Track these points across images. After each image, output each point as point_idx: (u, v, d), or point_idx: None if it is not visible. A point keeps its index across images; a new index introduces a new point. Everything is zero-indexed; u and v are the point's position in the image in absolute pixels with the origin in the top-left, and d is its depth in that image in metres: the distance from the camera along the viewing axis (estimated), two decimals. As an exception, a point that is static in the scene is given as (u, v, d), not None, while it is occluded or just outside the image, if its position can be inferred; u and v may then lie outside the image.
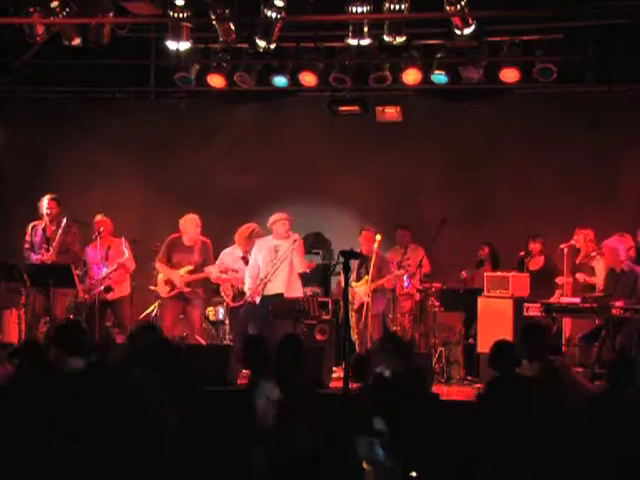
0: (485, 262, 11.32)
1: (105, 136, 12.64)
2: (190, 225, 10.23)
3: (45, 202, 10.20)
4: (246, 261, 10.34)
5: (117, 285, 10.33)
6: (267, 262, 9.85)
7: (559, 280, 10.46)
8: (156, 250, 10.46)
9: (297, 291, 9.89)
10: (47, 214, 10.18)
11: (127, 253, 10.30)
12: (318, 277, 11.63)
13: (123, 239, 10.40)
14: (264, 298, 9.80)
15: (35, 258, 10.07)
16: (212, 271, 10.21)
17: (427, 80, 11.54)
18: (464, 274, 11.30)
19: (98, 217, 10.42)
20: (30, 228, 10.26)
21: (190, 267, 10.16)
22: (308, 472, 4.38)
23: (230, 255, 10.51)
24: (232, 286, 10.41)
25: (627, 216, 11.05)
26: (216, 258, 10.52)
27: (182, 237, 10.24)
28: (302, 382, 6.30)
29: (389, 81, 11.68)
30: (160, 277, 10.32)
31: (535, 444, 4.97)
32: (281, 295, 9.70)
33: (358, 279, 10.31)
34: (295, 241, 9.79)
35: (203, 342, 10.55)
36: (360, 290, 10.26)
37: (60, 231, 10.05)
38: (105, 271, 10.22)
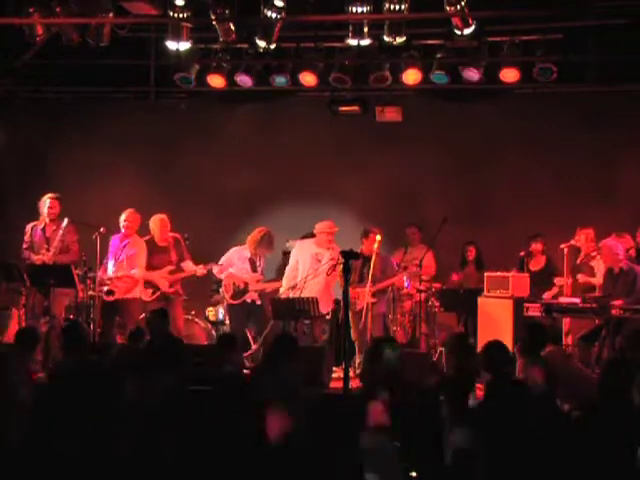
0: (469, 263, 11.32)
1: (105, 136, 12.63)
2: (155, 225, 10.36)
3: (47, 201, 10.18)
4: (252, 263, 10.40)
5: (124, 287, 10.10)
6: (307, 269, 9.98)
7: (557, 281, 10.46)
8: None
9: (327, 305, 10.03)
10: (49, 213, 10.17)
11: (138, 272, 10.10)
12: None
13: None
14: None
15: (36, 258, 10.06)
16: (192, 267, 10.28)
17: (427, 80, 11.56)
18: (455, 276, 11.32)
19: (128, 211, 10.25)
20: (29, 228, 10.25)
21: (171, 267, 10.26)
22: (300, 471, 4.38)
23: (237, 252, 10.49)
24: (233, 283, 10.42)
25: (627, 216, 11.05)
26: (221, 256, 10.53)
27: (154, 238, 10.34)
28: (296, 381, 6.28)
29: (389, 81, 11.69)
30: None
31: (530, 445, 4.95)
32: None
33: (361, 280, 10.14)
34: (339, 264, 9.46)
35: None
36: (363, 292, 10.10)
37: (61, 231, 10.05)
38: (111, 272, 10.09)
